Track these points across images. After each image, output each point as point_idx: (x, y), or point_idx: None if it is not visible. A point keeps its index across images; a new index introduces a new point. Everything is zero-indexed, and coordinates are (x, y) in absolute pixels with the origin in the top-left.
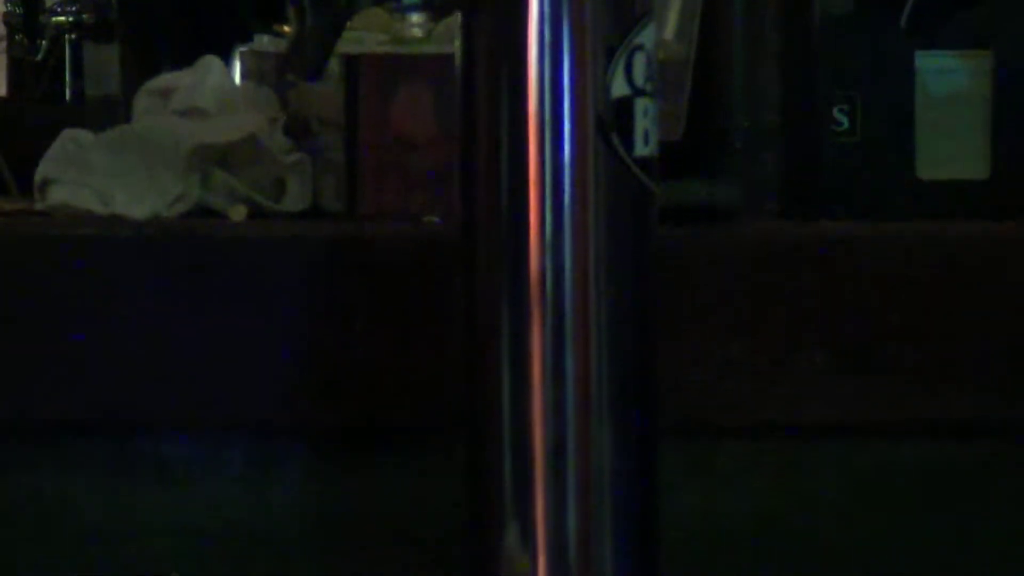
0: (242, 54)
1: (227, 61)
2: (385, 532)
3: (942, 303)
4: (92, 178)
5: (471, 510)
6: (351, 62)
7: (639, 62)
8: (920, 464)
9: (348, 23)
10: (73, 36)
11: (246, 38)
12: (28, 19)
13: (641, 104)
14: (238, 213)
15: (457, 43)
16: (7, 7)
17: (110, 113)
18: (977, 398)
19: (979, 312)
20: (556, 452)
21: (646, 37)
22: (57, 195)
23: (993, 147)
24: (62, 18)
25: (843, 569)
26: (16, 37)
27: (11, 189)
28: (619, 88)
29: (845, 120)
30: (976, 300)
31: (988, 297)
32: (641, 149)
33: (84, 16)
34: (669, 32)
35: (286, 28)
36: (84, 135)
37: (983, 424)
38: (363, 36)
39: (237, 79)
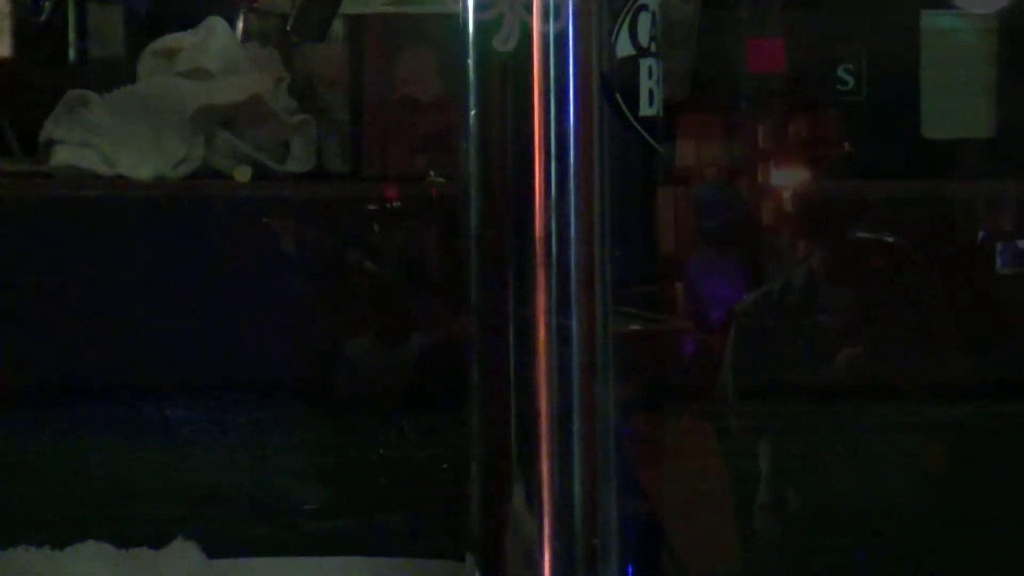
0: (247, 15)
1: (232, 22)
2: (391, 494)
3: (948, 263)
4: (96, 139)
5: (478, 472)
6: (356, 22)
7: (644, 22)
8: (930, 425)
9: None
10: None
11: None
12: None
13: (646, 64)
14: (243, 174)
15: (461, 2)
16: None
17: (114, 74)
18: (988, 360)
19: (986, 272)
20: (561, 414)
21: None
22: (61, 156)
23: (998, 106)
24: None
25: (851, 530)
26: None
27: (15, 150)
28: (624, 48)
29: (850, 80)
30: (983, 260)
31: (993, 256)
32: (646, 109)
33: None
34: None
35: None
36: (88, 96)
37: (996, 385)
38: None
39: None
